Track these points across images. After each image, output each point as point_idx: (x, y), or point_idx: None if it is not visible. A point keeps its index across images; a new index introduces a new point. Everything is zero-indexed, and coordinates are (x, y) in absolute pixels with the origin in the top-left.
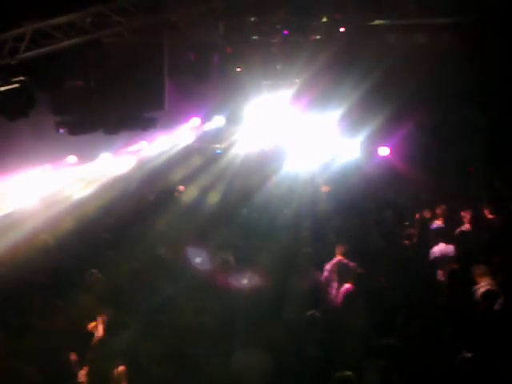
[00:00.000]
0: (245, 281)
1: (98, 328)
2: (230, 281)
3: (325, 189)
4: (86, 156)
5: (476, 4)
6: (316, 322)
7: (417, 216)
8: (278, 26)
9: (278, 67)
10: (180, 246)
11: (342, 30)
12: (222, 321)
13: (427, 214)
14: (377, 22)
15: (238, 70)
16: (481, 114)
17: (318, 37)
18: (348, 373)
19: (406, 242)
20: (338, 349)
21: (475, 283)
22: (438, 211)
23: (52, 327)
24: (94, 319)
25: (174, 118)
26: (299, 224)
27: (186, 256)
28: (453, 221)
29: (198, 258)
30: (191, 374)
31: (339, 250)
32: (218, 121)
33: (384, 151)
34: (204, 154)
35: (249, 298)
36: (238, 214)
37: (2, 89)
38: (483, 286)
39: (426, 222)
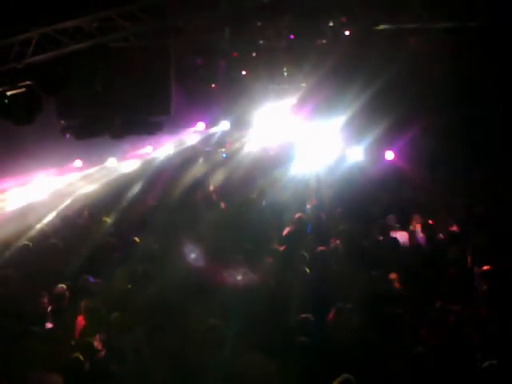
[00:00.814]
0: (239, 277)
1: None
2: (225, 277)
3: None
4: (92, 160)
5: (483, 8)
6: (307, 325)
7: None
8: (284, 31)
9: (285, 72)
10: (175, 243)
11: (346, 33)
12: (219, 320)
13: (431, 219)
14: (383, 26)
15: (244, 73)
16: (484, 117)
17: (324, 41)
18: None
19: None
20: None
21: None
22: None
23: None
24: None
25: (180, 123)
26: (303, 227)
27: (181, 252)
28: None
29: (193, 254)
30: (192, 375)
31: None
32: (224, 125)
33: (389, 155)
34: (209, 158)
35: (245, 295)
36: (241, 216)
37: (9, 93)
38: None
39: (431, 227)
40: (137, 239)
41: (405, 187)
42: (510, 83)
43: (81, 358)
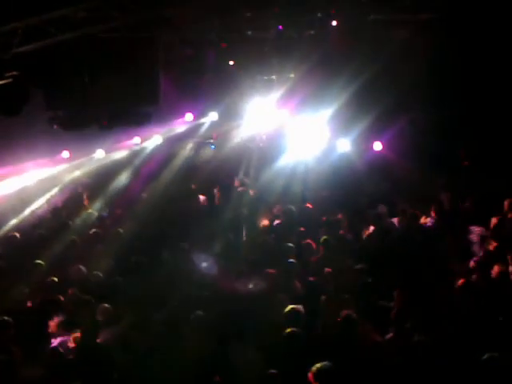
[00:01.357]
0: (251, 285)
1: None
2: (232, 283)
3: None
4: (80, 151)
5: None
6: (297, 317)
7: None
8: (273, 22)
9: (273, 62)
10: (181, 249)
11: (334, 23)
12: (220, 320)
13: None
14: (371, 16)
15: (232, 64)
16: (474, 110)
17: (312, 32)
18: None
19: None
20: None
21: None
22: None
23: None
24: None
25: (168, 114)
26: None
27: (192, 260)
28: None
29: (204, 263)
30: (189, 371)
31: None
32: (212, 116)
33: (377, 146)
34: (198, 149)
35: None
36: (236, 213)
37: None
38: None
39: (416, 217)
40: (121, 230)
41: (391, 178)
42: (496, 75)
43: (60, 349)
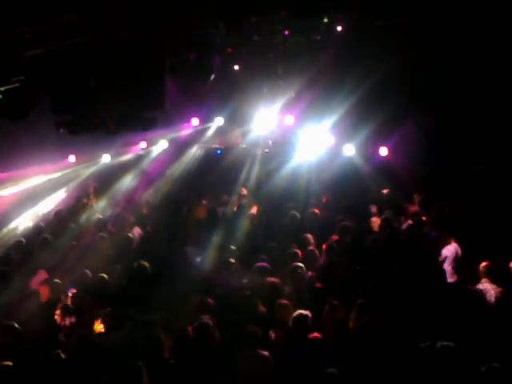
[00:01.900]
0: (245, 280)
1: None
2: (229, 280)
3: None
4: (86, 155)
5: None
6: (304, 322)
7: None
8: (279, 27)
9: (279, 67)
10: (180, 246)
11: (339, 28)
12: (220, 320)
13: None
14: (377, 22)
15: (238, 69)
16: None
17: (318, 37)
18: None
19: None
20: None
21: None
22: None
23: None
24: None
25: (174, 118)
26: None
27: (187, 255)
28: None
29: (199, 258)
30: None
31: None
32: (218, 121)
33: (383, 151)
34: (204, 155)
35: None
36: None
37: (2, 89)
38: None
39: (422, 222)
40: (130, 235)
41: (397, 182)
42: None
43: (62, 354)
